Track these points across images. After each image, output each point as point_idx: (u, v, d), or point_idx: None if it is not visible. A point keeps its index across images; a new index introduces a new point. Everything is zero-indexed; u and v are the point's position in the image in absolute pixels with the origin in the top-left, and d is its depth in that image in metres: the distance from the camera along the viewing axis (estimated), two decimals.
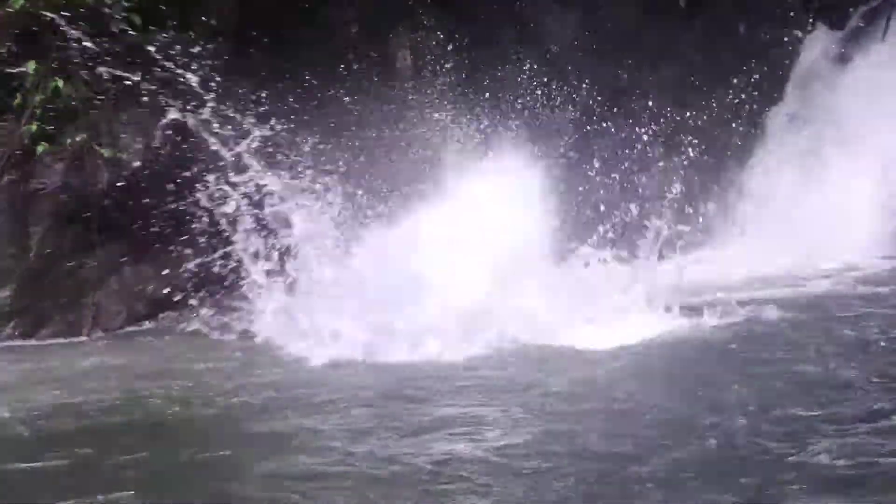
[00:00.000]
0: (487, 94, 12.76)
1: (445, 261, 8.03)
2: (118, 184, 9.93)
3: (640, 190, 13.53)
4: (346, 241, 8.78)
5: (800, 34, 14.21)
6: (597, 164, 13.45)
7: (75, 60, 9.77)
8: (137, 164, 10.07)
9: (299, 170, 9.90)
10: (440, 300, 7.71)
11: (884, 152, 12.51)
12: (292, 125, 12.00)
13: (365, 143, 12.05)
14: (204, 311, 8.99)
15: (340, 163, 11.45)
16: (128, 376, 6.99)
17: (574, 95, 13.48)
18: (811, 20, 14.28)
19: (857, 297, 9.12)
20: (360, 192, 9.98)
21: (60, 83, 9.72)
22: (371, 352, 7.26)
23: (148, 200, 9.98)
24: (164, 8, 10.24)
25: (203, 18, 10.78)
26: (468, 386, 6.20)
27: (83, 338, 9.16)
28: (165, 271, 9.70)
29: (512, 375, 6.41)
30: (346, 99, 12.20)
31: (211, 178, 9.27)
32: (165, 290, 9.55)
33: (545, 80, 13.27)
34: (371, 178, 11.08)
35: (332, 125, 12.33)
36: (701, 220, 13.31)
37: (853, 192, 12.32)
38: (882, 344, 6.65)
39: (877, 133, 12.60)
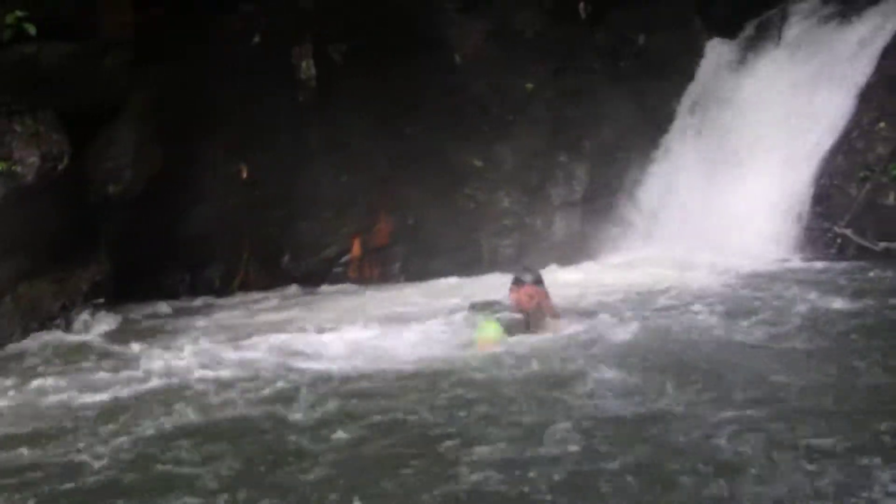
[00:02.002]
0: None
1: None
2: (14, 198, 9.61)
3: (549, 197, 13.75)
4: None
5: (697, 44, 14.55)
6: (507, 169, 13.64)
7: None
8: (33, 177, 9.76)
9: None
10: None
11: (780, 155, 12.74)
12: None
13: None
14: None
15: None
16: None
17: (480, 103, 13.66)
18: (708, 31, 14.63)
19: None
20: None
21: None
22: None
23: (47, 215, 9.75)
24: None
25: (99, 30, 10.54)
26: None
27: None
28: (63, 288, 9.50)
29: None
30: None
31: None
32: (61, 307, 9.32)
33: (450, 88, 13.42)
34: None
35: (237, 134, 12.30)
36: (601, 225, 13.58)
37: (750, 196, 12.55)
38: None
39: (773, 136, 12.88)
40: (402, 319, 9.04)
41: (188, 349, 7.88)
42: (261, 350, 7.79)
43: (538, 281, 7.54)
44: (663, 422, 5.08)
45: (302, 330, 8.82)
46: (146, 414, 5.83)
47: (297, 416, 5.65)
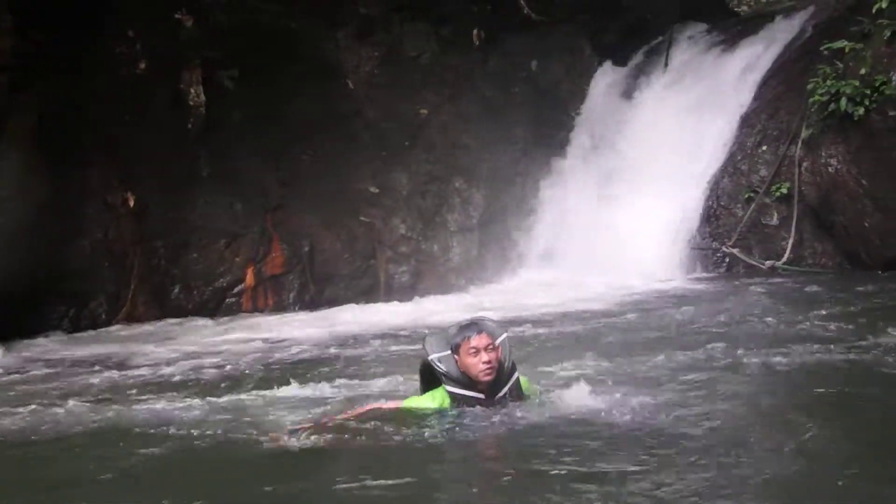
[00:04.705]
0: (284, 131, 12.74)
1: None
2: None
3: (446, 222, 13.75)
4: None
5: (588, 70, 14.83)
6: (403, 195, 13.59)
7: None
8: None
9: None
10: None
11: (669, 178, 12.99)
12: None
13: None
14: None
15: None
16: None
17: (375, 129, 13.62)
18: (598, 57, 14.93)
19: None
20: None
21: None
22: None
23: None
24: None
25: None
26: None
27: None
28: None
29: None
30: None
31: None
32: None
33: (344, 114, 13.35)
34: None
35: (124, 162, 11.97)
36: (498, 249, 13.63)
37: (642, 218, 12.75)
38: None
39: (663, 160, 13.14)
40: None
41: None
42: None
43: (489, 331, 5.08)
44: None
45: None
46: None
47: None
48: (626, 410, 4.98)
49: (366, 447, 4.79)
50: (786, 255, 11.39)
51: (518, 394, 5.18)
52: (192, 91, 12.02)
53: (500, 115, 13.94)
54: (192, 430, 5.28)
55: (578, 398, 5.21)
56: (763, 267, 11.41)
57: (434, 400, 5.14)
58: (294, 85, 12.68)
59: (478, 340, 5.01)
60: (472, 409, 5.02)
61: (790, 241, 11.44)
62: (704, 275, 12.00)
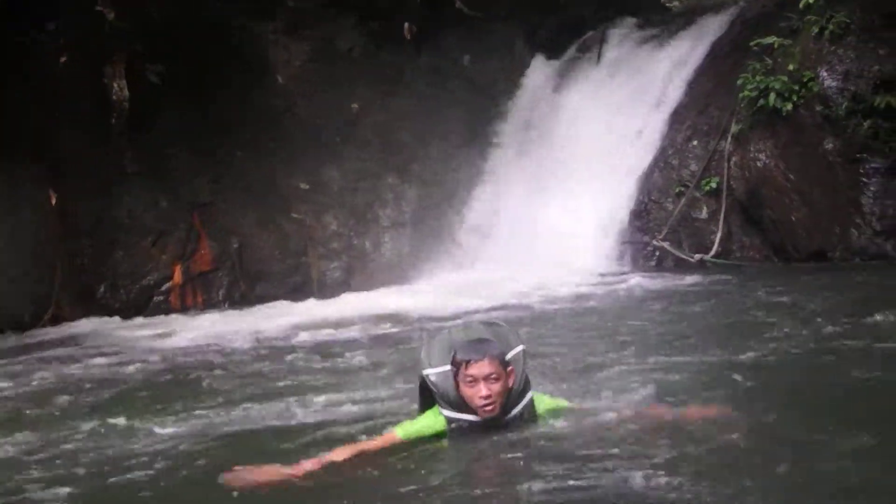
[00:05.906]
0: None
1: None
2: None
3: (378, 218, 13.65)
4: None
5: (521, 65, 14.80)
6: (335, 192, 13.47)
7: None
8: None
9: None
10: None
11: (601, 173, 13.04)
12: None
13: None
14: None
15: None
16: None
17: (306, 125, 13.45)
18: (531, 52, 14.90)
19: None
20: None
21: None
22: None
23: None
24: None
25: None
26: None
27: None
28: None
29: None
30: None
31: None
32: None
33: (274, 110, 13.17)
34: None
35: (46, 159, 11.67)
36: (430, 246, 13.56)
37: (574, 214, 12.79)
38: None
39: (595, 154, 13.18)
40: None
41: None
42: None
43: (498, 355, 4.18)
44: None
45: None
46: None
47: None
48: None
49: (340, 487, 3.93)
50: (714, 249, 11.45)
51: (531, 415, 4.29)
52: (116, 86, 11.74)
53: (434, 111, 13.84)
54: None
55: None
56: (692, 260, 11.48)
57: (428, 425, 4.28)
58: (222, 80, 12.48)
59: (477, 369, 4.10)
60: (470, 434, 4.17)
61: (718, 235, 11.51)
62: (635, 268, 12.04)
